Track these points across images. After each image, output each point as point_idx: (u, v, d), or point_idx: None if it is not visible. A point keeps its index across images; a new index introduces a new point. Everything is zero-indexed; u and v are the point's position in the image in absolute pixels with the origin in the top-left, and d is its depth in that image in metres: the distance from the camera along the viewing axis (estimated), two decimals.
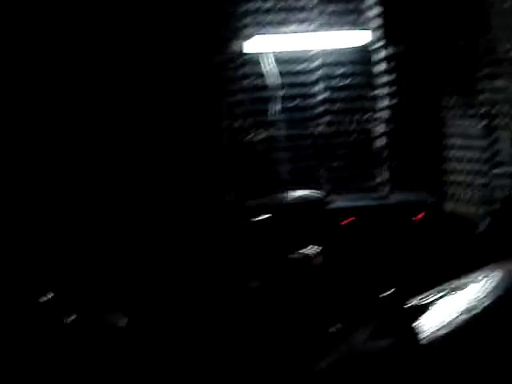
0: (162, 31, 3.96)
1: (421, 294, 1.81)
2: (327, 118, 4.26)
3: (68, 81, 3.89)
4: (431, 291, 1.81)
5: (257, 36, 4.08)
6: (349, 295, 2.99)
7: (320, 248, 2.70)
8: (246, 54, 4.14)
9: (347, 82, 4.24)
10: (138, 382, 2.71)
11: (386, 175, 4.28)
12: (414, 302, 1.77)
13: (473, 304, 1.62)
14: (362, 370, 1.69)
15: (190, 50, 4.04)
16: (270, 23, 4.15)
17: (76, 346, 2.46)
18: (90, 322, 2.44)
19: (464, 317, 1.59)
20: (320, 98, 4.23)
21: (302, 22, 4.17)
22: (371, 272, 3.15)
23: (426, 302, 1.75)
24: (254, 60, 4.17)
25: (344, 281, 3.15)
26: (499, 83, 3.82)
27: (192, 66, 4.06)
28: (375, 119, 4.27)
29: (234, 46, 4.12)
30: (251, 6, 4.15)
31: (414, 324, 1.66)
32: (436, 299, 1.74)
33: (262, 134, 4.22)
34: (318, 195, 2.97)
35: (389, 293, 1.69)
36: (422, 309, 1.71)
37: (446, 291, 1.76)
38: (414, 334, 1.63)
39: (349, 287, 3.10)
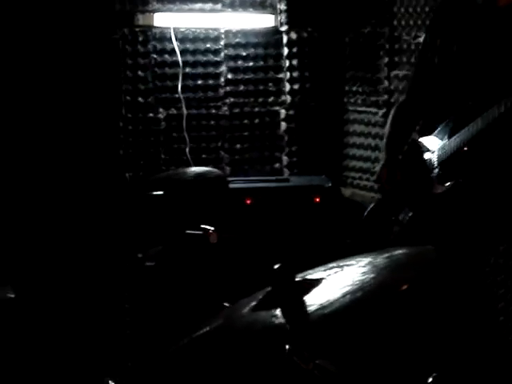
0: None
1: (310, 270, 1.83)
2: (231, 100, 4.27)
3: None
4: (320, 268, 1.82)
5: (163, 12, 4.05)
6: (245, 272, 3.02)
7: (216, 227, 2.66)
8: (150, 29, 4.09)
9: (252, 63, 4.25)
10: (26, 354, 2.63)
11: (287, 159, 4.35)
12: (303, 276, 1.77)
13: (358, 285, 1.63)
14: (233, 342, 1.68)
15: (87, 24, 3.93)
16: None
17: None
18: None
19: (349, 297, 1.60)
20: (224, 78, 4.24)
21: (209, 0, 4.16)
22: (268, 250, 3.21)
23: (315, 277, 1.76)
24: (158, 36, 4.12)
25: (241, 258, 3.18)
26: (399, 72, 3.95)
27: (90, 40, 3.95)
28: (279, 103, 4.32)
29: (139, 21, 4.07)
30: None
31: (300, 298, 1.66)
32: (325, 277, 1.75)
33: (165, 112, 4.18)
34: (219, 173, 2.96)
35: (277, 266, 1.67)
36: (310, 284, 1.72)
37: (335, 270, 1.78)
38: (299, 308, 1.63)
39: (245, 264, 3.13)
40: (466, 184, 2.57)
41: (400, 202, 2.82)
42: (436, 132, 2.74)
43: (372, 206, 3.04)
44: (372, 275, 1.66)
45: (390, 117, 3.03)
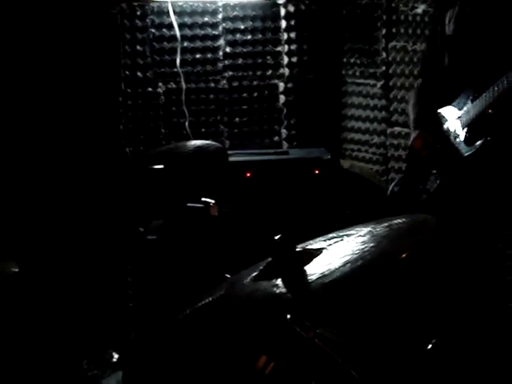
0: None
1: (311, 240, 1.85)
2: (229, 73, 4.27)
3: None
4: (320, 238, 1.85)
5: None
6: (246, 244, 3.06)
7: (216, 200, 2.69)
8: (148, 3, 4.08)
9: (250, 37, 4.24)
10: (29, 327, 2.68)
11: (285, 132, 4.36)
12: (304, 246, 1.80)
13: (358, 254, 1.66)
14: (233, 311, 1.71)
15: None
16: None
17: None
18: None
19: (349, 266, 1.62)
20: (222, 52, 4.23)
21: None
22: (268, 222, 3.26)
23: (316, 247, 1.78)
24: (156, 10, 4.11)
25: (242, 230, 3.22)
26: (396, 43, 3.94)
27: (87, 15, 3.94)
28: (277, 76, 4.33)
29: None
30: None
31: (300, 268, 1.69)
32: (325, 246, 1.78)
33: (164, 86, 4.18)
34: (219, 146, 2.98)
35: (277, 237, 1.70)
36: (311, 254, 1.75)
37: (335, 240, 1.80)
38: (300, 277, 1.65)
39: (246, 237, 3.17)
40: (494, 143, 2.63)
41: (427, 171, 2.88)
42: (456, 101, 2.79)
43: (396, 181, 3.10)
44: (372, 244, 1.69)
45: (411, 102, 3.10)
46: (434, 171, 2.86)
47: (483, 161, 2.67)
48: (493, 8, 2.67)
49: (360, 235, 1.77)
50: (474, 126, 2.69)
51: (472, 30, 2.72)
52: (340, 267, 1.62)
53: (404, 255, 1.55)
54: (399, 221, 1.79)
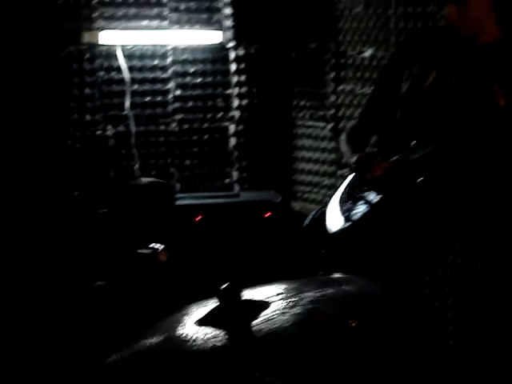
0: None
1: (257, 288, 1.84)
2: (179, 116, 4.27)
3: None
4: (268, 288, 1.83)
5: (109, 29, 4.01)
6: (193, 290, 3.03)
7: (165, 244, 2.67)
8: (96, 46, 4.06)
9: (200, 80, 4.27)
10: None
11: (236, 174, 4.37)
12: (249, 296, 1.78)
13: (301, 309, 1.66)
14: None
15: (34, 42, 3.87)
16: (122, 17, 4.09)
17: None
18: None
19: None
20: (172, 95, 4.24)
21: (155, 17, 4.14)
22: (216, 267, 3.23)
23: (261, 298, 1.77)
24: (105, 54, 4.09)
25: (189, 276, 3.19)
26: (345, 86, 4.01)
27: (35, 58, 3.89)
28: (228, 118, 4.34)
29: (85, 39, 4.02)
30: None
31: (246, 319, 1.67)
32: (271, 296, 1.77)
33: (113, 129, 4.15)
34: (165, 183, 2.95)
35: (224, 286, 1.68)
36: (257, 306, 1.73)
37: (282, 291, 1.80)
38: (245, 327, 1.64)
39: (193, 282, 3.14)
40: (434, 182, 2.68)
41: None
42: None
43: (313, 214, 3.10)
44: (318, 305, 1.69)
45: (344, 139, 3.13)
46: (362, 201, 2.88)
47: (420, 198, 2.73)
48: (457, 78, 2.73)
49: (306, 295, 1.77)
50: (417, 163, 2.75)
51: (429, 92, 2.78)
52: (285, 324, 1.61)
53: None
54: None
